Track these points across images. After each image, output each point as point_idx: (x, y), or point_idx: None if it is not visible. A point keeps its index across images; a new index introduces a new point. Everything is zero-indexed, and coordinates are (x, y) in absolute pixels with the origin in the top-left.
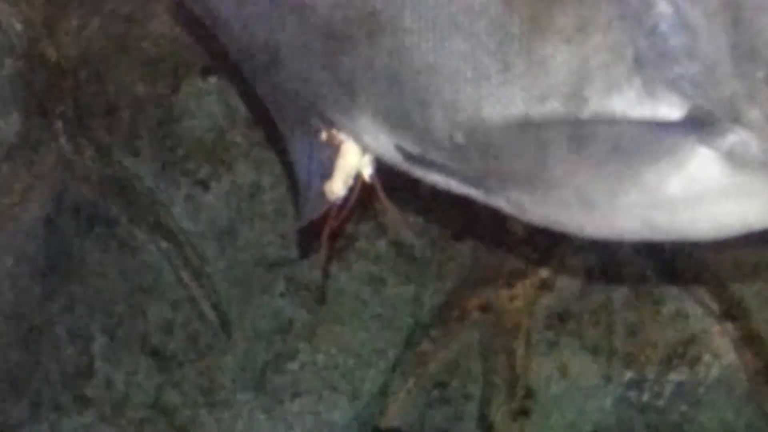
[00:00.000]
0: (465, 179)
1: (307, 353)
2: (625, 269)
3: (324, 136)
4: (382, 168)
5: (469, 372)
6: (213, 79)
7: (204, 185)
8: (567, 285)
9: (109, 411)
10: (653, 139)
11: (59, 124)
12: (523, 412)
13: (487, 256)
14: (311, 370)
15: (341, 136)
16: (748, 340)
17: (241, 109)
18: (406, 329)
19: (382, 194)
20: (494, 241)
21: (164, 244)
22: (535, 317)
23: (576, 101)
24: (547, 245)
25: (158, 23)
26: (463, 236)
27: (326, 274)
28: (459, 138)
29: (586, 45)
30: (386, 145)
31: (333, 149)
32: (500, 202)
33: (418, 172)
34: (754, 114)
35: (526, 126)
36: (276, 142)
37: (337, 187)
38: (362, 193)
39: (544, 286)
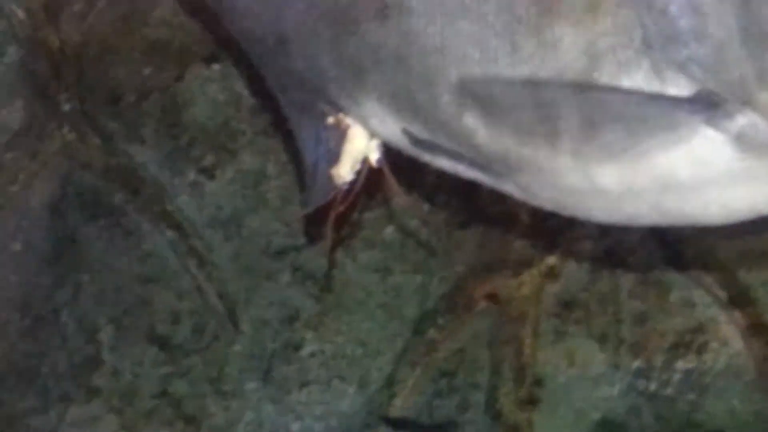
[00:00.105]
0: (473, 163)
1: (314, 342)
2: (632, 257)
3: (331, 120)
4: (389, 152)
5: (476, 361)
6: (217, 67)
7: (209, 173)
8: (574, 273)
9: (117, 401)
10: (662, 113)
11: (63, 112)
12: (531, 401)
13: (493, 245)
14: (319, 359)
15: (348, 121)
16: (755, 327)
17: (246, 96)
18: (413, 318)
19: (390, 178)
20: (500, 229)
21: (169, 233)
22: (542, 305)
23: None
24: (554, 233)
25: (161, 10)
26: (470, 224)
27: (332, 261)
28: (468, 121)
29: (595, 27)
30: (393, 129)
31: (340, 134)
32: (508, 186)
33: (426, 156)
34: (763, 96)
35: (535, 109)
36: (281, 129)
37: (345, 171)
38: (369, 181)
39: (551, 274)
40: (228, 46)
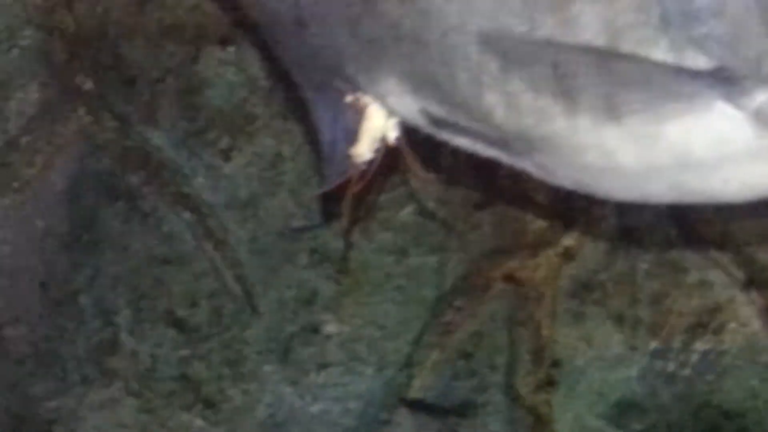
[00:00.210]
0: (491, 142)
1: (332, 325)
2: (649, 238)
3: (349, 99)
4: (408, 131)
5: (494, 342)
6: (232, 49)
7: (225, 155)
8: (591, 254)
9: (135, 384)
10: (680, 84)
11: (79, 95)
12: (549, 383)
13: (510, 226)
14: (337, 341)
15: (366, 99)
16: None
17: (262, 78)
18: (431, 300)
19: (409, 155)
20: (517, 210)
21: (186, 215)
22: (559, 287)
23: None
24: (571, 214)
25: None
26: (486, 206)
27: (348, 241)
28: (486, 99)
29: (614, 5)
30: (411, 107)
31: (358, 112)
32: (527, 164)
33: (444, 135)
34: None
35: (556, 82)
36: (297, 111)
37: (363, 150)
38: (386, 160)
39: (568, 255)
40: (243, 28)
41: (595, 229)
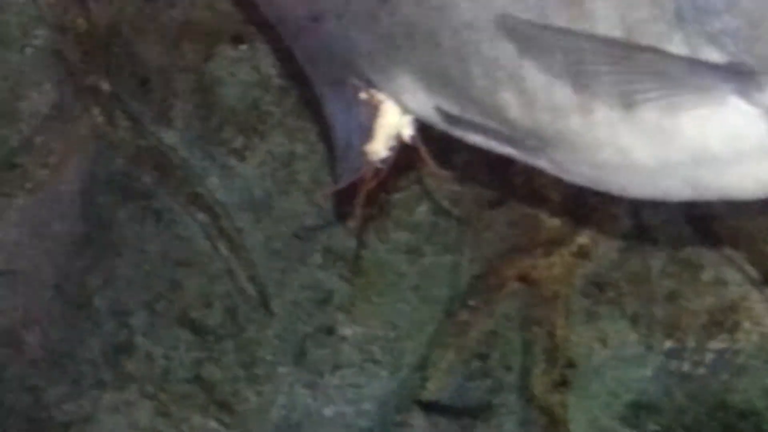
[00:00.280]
0: (505, 139)
1: (346, 326)
2: (663, 236)
3: (364, 96)
4: (422, 128)
5: (508, 343)
6: (245, 47)
7: (239, 155)
8: (605, 252)
9: (150, 386)
10: (695, 75)
11: (92, 95)
12: (564, 383)
13: (524, 224)
14: (351, 342)
15: (381, 96)
16: None
17: (275, 77)
18: (445, 300)
19: (423, 152)
20: (531, 208)
21: (200, 216)
22: (573, 286)
23: None
24: (585, 213)
25: None
26: (499, 205)
27: (360, 239)
28: (501, 96)
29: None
30: (425, 104)
31: (372, 109)
32: (542, 161)
33: (458, 132)
34: None
35: (570, 83)
36: (310, 109)
37: (378, 147)
38: (399, 159)
39: (582, 254)
40: (256, 26)
41: (609, 227)
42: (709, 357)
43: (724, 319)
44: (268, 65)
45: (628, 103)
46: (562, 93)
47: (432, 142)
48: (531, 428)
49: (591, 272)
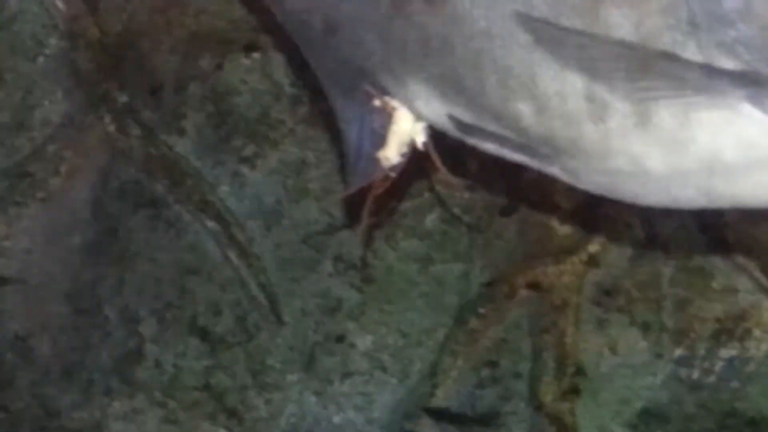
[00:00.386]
0: (518, 147)
1: (356, 333)
2: (674, 244)
3: (377, 102)
4: (435, 135)
5: (518, 350)
6: (257, 56)
7: (250, 163)
8: (615, 260)
9: (159, 394)
10: (710, 81)
11: (104, 104)
12: (573, 390)
13: (534, 232)
14: (361, 350)
15: (394, 103)
16: None
17: (286, 85)
18: (455, 307)
19: (436, 159)
20: (542, 216)
21: (211, 224)
22: (583, 293)
23: None
24: (595, 220)
25: None
26: (510, 212)
27: (367, 245)
28: (514, 104)
29: (641, 8)
30: (438, 112)
31: (386, 116)
32: (554, 169)
33: (471, 140)
34: None
35: (584, 90)
36: (321, 118)
37: (391, 154)
38: (410, 167)
39: (592, 261)
40: (268, 35)
41: (619, 235)
42: (719, 365)
43: (734, 327)
44: (280, 74)
45: (641, 111)
46: (576, 101)
47: (444, 149)
48: None
49: (601, 280)
